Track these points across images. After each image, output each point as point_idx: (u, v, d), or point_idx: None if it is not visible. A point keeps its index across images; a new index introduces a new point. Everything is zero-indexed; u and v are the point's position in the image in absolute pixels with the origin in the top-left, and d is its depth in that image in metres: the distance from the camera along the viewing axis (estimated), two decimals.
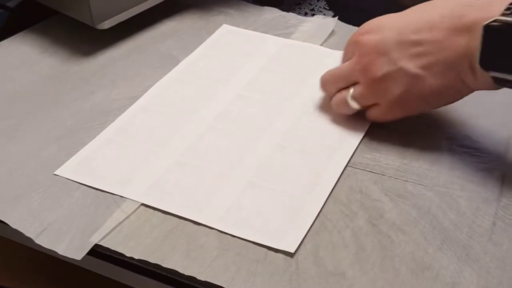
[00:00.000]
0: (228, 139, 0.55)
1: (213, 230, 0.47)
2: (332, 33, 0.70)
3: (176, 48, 0.69)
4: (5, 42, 0.71)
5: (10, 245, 0.53)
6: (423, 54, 0.49)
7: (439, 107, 0.54)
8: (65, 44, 0.70)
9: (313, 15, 0.76)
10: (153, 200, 0.49)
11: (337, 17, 0.71)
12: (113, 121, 0.58)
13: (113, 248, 0.45)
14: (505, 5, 0.45)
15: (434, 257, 0.44)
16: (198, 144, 0.55)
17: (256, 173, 0.52)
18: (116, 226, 0.47)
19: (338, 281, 0.43)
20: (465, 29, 0.47)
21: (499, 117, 0.57)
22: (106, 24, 0.67)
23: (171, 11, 0.76)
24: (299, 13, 0.76)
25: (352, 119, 0.56)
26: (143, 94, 0.62)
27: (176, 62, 0.66)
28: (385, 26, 0.51)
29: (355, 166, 0.52)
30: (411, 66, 0.50)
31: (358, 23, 0.55)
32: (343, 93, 0.55)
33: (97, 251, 0.46)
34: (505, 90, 0.47)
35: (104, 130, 0.57)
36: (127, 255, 0.45)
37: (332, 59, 0.62)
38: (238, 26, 0.72)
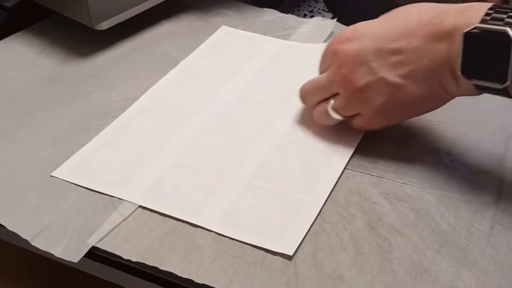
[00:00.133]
0: (227, 140, 0.55)
1: (211, 233, 0.47)
2: (331, 34, 0.70)
3: (174, 49, 0.69)
4: (2, 42, 0.71)
5: (6, 247, 0.52)
6: (403, 63, 0.48)
7: (422, 114, 0.53)
8: (63, 45, 0.70)
9: (312, 16, 0.76)
10: (150, 202, 0.49)
11: (336, 19, 0.71)
12: (111, 122, 0.58)
13: (110, 251, 0.45)
14: (483, 10, 0.44)
15: (433, 260, 0.44)
16: (197, 146, 0.55)
17: (255, 175, 0.51)
18: (114, 228, 0.47)
19: (337, 284, 0.43)
20: (444, 36, 0.46)
21: (497, 119, 0.57)
22: (104, 25, 0.67)
23: (169, 12, 0.76)
24: (298, 15, 0.76)
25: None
26: (141, 95, 0.61)
27: (175, 63, 0.66)
28: (363, 34, 0.50)
29: (353, 169, 0.52)
30: (392, 75, 0.49)
31: None
32: (324, 105, 0.53)
33: (94, 254, 0.46)
34: None
35: (102, 132, 0.57)
36: (125, 257, 0.45)
37: None
38: (236, 27, 0.72)
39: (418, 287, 0.42)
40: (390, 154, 0.54)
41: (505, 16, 0.43)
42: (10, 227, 0.47)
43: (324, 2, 0.78)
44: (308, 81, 0.55)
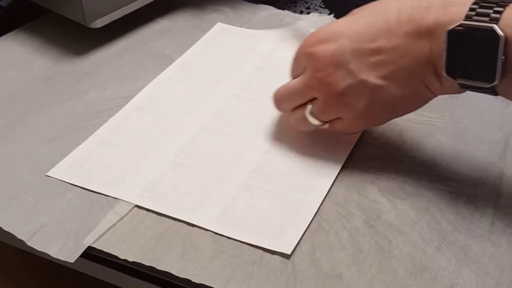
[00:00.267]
0: (224, 139, 0.55)
1: (208, 232, 0.46)
2: None
3: (170, 47, 0.68)
4: None
5: (2, 247, 0.52)
6: (383, 63, 0.45)
7: (405, 114, 0.50)
8: (58, 44, 0.70)
9: (308, 13, 0.75)
10: (147, 201, 0.49)
11: (332, 15, 0.71)
12: (106, 121, 0.57)
13: (106, 250, 0.45)
14: (467, 5, 0.42)
15: (433, 258, 0.44)
16: (193, 145, 0.54)
17: (252, 173, 0.51)
18: (110, 228, 0.47)
19: (335, 283, 0.42)
20: (426, 33, 0.43)
21: (498, 116, 0.57)
22: (99, 23, 0.66)
23: (164, 10, 0.75)
24: (294, 11, 0.75)
25: None
26: (136, 94, 0.61)
27: (170, 61, 0.66)
28: (339, 34, 0.47)
29: (352, 166, 0.52)
30: (372, 77, 0.46)
31: None
32: (301, 111, 0.51)
33: (90, 254, 0.45)
34: None
35: (97, 131, 0.56)
36: (121, 257, 0.44)
37: None
38: (232, 24, 0.72)
39: (418, 286, 0.42)
40: (389, 151, 0.53)
41: (491, 11, 0.41)
42: (5, 227, 0.47)
43: None
44: (281, 86, 0.52)
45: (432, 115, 0.56)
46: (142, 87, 0.62)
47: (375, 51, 0.46)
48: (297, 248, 0.45)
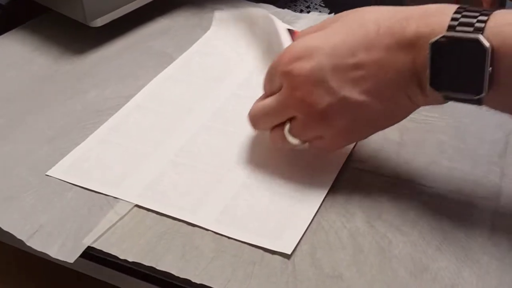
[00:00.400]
0: (224, 138, 0.55)
1: (209, 232, 0.46)
2: None
3: (170, 46, 0.68)
4: None
5: (1, 247, 0.52)
6: (364, 78, 0.43)
7: (387, 127, 0.48)
8: (57, 42, 0.70)
9: (308, 12, 0.75)
10: (147, 201, 0.49)
11: (332, 14, 0.71)
12: (106, 120, 0.57)
13: (106, 250, 0.45)
14: (447, 14, 0.40)
15: (433, 258, 0.44)
16: (194, 144, 0.54)
17: (252, 173, 0.51)
18: (110, 228, 0.46)
19: (336, 283, 0.42)
20: (407, 45, 0.41)
21: (498, 115, 0.56)
22: (99, 22, 0.66)
23: (164, 9, 0.75)
24: (294, 10, 0.75)
25: None
26: (136, 93, 0.61)
27: (170, 60, 0.66)
28: (315, 50, 0.44)
29: (352, 166, 0.52)
30: (354, 93, 0.44)
31: None
32: (279, 130, 0.49)
33: (90, 254, 0.45)
34: None
35: (97, 130, 0.56)
36: (121, 257, 0.44)
37: None
38: None
39: (419, 286, 0.42)
40: (389, 151, 0.53)
41: (474, 20, 0.39)
42: (5, 227, 0.47)
43: None
44: (256, 105, 0.50)
45: (432, 114, 0.56)
46: (143, 86, 0.62)
47: (355, 66, 0.44)
48: (297, 248, 0.45)
